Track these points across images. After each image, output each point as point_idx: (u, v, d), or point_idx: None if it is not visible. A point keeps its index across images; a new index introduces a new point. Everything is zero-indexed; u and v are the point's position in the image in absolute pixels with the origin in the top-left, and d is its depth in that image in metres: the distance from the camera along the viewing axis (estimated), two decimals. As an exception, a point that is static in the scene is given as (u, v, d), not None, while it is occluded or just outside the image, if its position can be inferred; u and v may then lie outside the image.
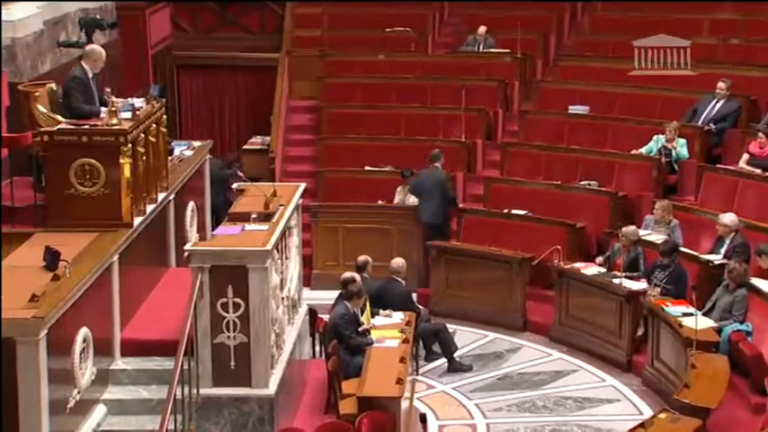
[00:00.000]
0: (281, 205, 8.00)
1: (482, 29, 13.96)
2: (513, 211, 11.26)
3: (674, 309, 8.82)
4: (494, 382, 9.37)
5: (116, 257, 7.18)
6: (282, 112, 13.49)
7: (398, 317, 9.07)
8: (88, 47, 8.10)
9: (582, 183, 11.43)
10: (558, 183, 11.50)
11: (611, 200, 10.98)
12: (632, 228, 9.94)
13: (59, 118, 7.69)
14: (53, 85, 8.06)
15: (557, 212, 10.97)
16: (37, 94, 7.90)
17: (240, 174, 11.03)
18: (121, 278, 7.24)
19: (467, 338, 10.23)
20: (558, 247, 10.18)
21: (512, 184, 11.69)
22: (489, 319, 10.55)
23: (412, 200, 11.76)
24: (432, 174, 11.49)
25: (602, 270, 9.83)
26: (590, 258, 10.36)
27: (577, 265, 10.08)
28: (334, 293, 9.23)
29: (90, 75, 7.80)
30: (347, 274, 9.04)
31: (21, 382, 5.87)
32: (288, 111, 13.79)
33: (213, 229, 8.14)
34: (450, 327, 10.02)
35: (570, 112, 12.50)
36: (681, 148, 11.19)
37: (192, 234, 8.98)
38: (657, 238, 9.90)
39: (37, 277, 6.41)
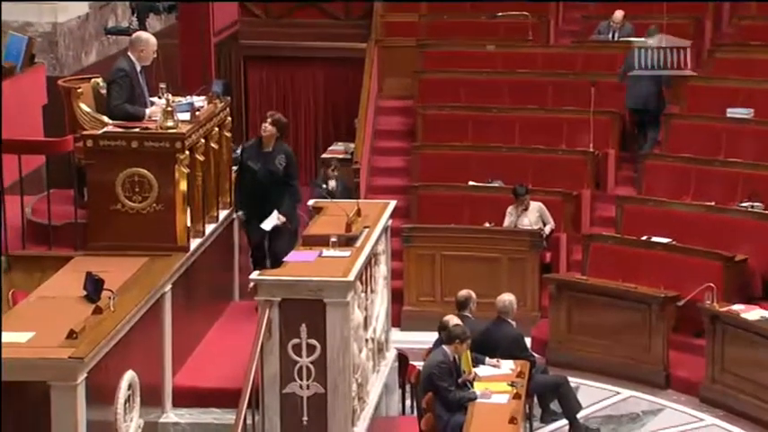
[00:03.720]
0: (366, 227, 8.01)
1: (618, 13, 13.80)
2: (654, 239, 11.09)
3: None
4: (627, 452, 9.24)
5: (169, 287, 7.29)
6: (370, 114, 13.57)
7: (508, 366, 9.00)
8: (134, 34, 8.25)
9: (743, 204, 11.20)
10: (712, 204, 11.30)
11: (782, 226, 10.73)
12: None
13: (105, 119, 7.86)
14: (99, 80, 8.26)
15: (710, 241, 10.77)
16: (80, 90, 8.10)
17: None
18: (175, 312, 7.35)
19: (593, 395, 10.11)
20: (712, 284, 9.96)
21: (652, 205, 11.53)
22: (622, 372, 10.39)
23: (525, 222, 11.69)
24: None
25: (769, 315, 9.56)
26: (753, 299, 10.09)
27: (736, 307, 9.83)
28: (429, 336, 9.18)
29: (138, 68, 7.95)
30: (448, 317, 8.98)
31: (54, 435, 5.98)
32: (376, 112, 13.88)
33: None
34: (573, 380, 9.89)
35: (729, 115, 12.26)
36: None
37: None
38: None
39: (76, 309, 6.54)
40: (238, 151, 9.53)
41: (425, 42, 14.13)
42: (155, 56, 8.03)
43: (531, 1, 14.37)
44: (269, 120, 8.35)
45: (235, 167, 8.52)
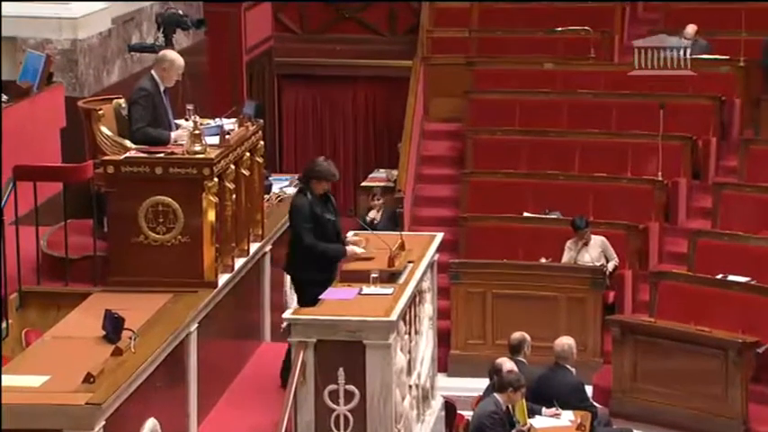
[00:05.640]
0: (410, 262, 8.03)
1: (690, 28, 13.76)
2: (730, 278, 11.02)
3: None
4: None
5: (194, 327, 7.34)
6: (415, 138, 13.62)
7: (567, 417, 8.95)
8: (161, 51, 8.36)
9: (829, 240, 11.10)
10: (796, 240, 11.23)
11: None
12: None
13: (128, 143, 7.96)
14: (121, 101, 8.36)
15: (793, 280, 10.71)
16: (100, 112, 8.21)
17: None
18: (200, 354, 7.39)
19: (662, 452, 10.05)
20: (795, 328, 9.87)
21: (728, 240, 11.47)
22: (695, 425, 10.31)
23: (586, 257, 11.65)
24: None
25: None
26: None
27: (823, 354, 9.73)
28: (479, 382, 9.15)
29: (161, 88, 8.05)
30: (501, 360, 8.97)
31: (69, 488, 6.03)
32: (422, 136, 13.92)
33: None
34: (639, 435, 9.82)
35: (815, 140, 12.19)
36: None
37: (293, 298, 9.11)
38: None
39: (93, 351, 6.60)
40: (271, 178, 9.61)
41: (476, 60, 14.17)
42: (178, 78, 8.12)
43: (602, 1, 14.38)
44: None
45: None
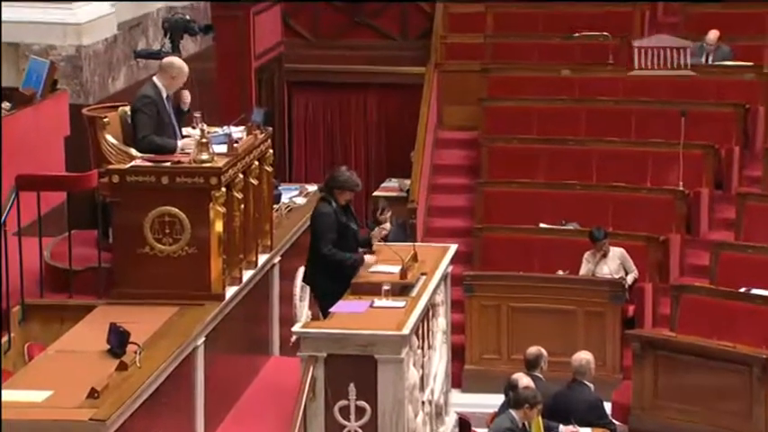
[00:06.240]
0: (423, 274, 8.03)
1: (712, 34, 13.76)
2: (754, 291, 10.99)
3: None
4: None
5: (201, 341, 7.35)
6: (428, 146, 13.63)
7: (585, 435, 8.94)
8: (167, 58, 8.39)
9: None
10: (822, 252, 11.20)
11: None
12: None
13: (134, 152, 7.98)
14: (126, 109, 8.38)
15: (819, 294, 10.67)
16: (106, 119, 8.22)
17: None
18: (208, 369, 7.40)
19: (684, 471, 10.01)
20: (821, 343, 9.83)
21: (752, 253, 11.45)
22: (718, 443, 10.26)
23: (605, 270, 11.63)
24: None
25: None
26: None
27: None
28: (494, 398, 9.13)
29: (164, 95, 8.07)
30: (516, 376, 8.95)
31: (72, 507, 6.04)
32: (435, 145, 13.93)
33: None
34: (660, 453, 9.79)
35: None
36: None
37: (303, 311, 9.12)
38: None
39: (98, 365, 6.61)
40: (280, 188, 9.62)
41: (491, 66, 14.18)
42: (181, 85, 8.15)
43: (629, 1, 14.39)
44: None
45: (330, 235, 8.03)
